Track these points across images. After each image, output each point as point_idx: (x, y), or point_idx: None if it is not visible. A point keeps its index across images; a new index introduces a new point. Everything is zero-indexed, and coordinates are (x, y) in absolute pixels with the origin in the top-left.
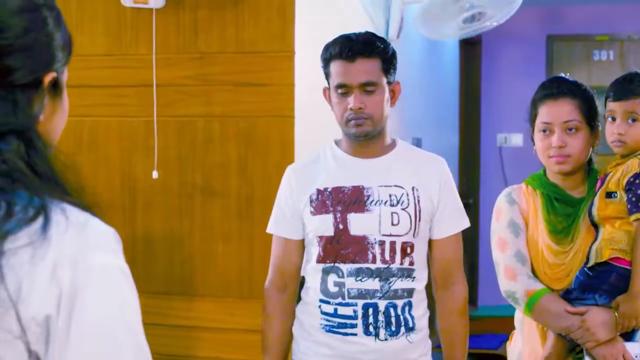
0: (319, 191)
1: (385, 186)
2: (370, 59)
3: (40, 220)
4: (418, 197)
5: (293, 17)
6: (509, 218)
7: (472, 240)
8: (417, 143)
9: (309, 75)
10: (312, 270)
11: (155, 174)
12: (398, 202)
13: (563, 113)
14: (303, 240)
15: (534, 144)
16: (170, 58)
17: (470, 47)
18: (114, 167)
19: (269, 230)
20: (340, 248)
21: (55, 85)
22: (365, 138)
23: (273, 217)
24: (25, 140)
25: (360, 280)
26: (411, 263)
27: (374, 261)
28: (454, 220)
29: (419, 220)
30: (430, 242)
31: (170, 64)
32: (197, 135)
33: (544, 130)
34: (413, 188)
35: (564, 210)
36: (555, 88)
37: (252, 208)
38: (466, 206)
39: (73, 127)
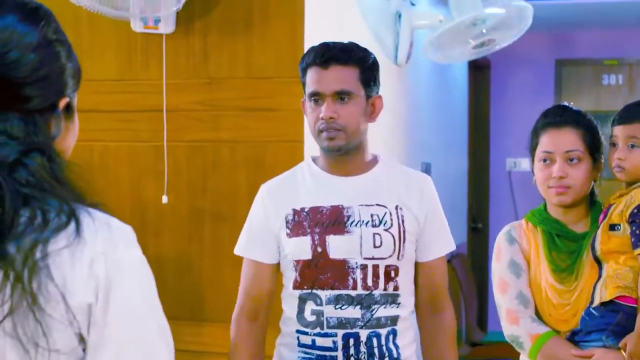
0: (295, 211)
1: (366, 205)
2: (346, 66)
3: (72, 224)
4: (402, 216)
5: (302, 42)
6: (509, 258)
7: (481, 264)
8: (427, 168)
9: None
10: (288, 298)
11: (165, 199)
12: (381, 222)
13: (565, 142)
14: (277, 265)
15: (534, 175)
16: (180, 83)
17: (479, 72)
18: (124, 191)
19: (237, 251)
20: (318, 273)
21: (68, 109)
22: (339, 153)
23: (243, 238)
24: (47, 156)
25: (340, 308)
26: (396, 288)
27: (354, 287)
28: (442, 241)
29: (404, 242)
30: (416, 265)
31: (180, 89)
32: (207, 160)
33: (545, 160)
34: (397, 207)
35: (566, 247)
36: (558, 116)
37: None
38: (475, 230)
39: (83, 152)
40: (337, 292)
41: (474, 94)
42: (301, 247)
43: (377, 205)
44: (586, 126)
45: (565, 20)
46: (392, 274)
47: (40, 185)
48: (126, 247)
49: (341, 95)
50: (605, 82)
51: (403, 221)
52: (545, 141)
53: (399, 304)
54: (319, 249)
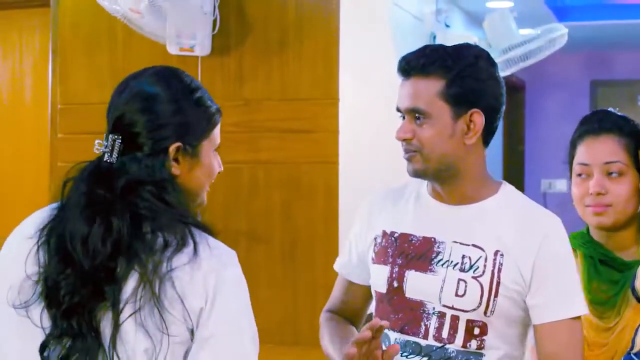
0: (384, 234)
1: (460, 244)
2: (426, 77)
3: (191, 245)
4: (500, 264)
5: (337, 63)
6: None
7: None
8: None
9: (353, 121)
10: None
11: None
12: (471, 267)
13: (604, 153)
14: (370, 288)
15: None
16: None
17: (515, 92)
18: None
19: (335, 265)
20: (391, 311)
21: (187, 150)
22: (421, 177)
23: (341, 251)
24: (159, 187)
25: (406, 357)
26: (480, 347)
27: (425, 336)
28: (561, 301)
29: (496, 296)
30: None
31: None
32: (242, 182)
33: (580, 174)
34: (497, 252)
35: (609, 276)
36: (596, 123)
37: (296, 254)
38: None
39: None
40: (405, 337)
41: (509, 114)
42: (379, 277)
43: (473, 245)
44: (631, 133)
45: (600, 41)
46: (476, 332)
47: (150, 207)
48: (230, 266)
49: (415, 113)
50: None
51: (500, 270)
52: (582, 152)
53: None
54: (395, 284)
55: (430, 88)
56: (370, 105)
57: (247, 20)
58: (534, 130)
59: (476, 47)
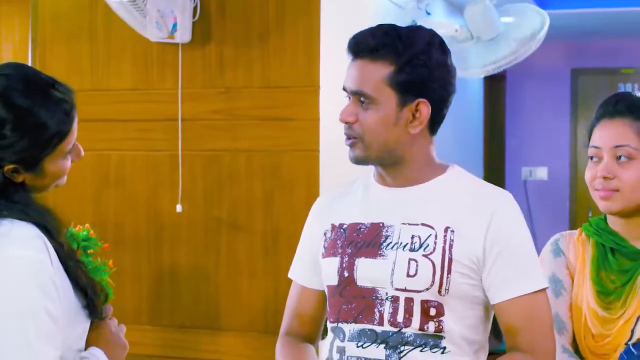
0: (333, 227)
1: (409, 224)
2: (375, 61)
3: None
4: (452, 240)
5: (318, 52)
6: (551, 273)
7: None
8: None
9: (334, 109)
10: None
11: (179, 207)
12: (421, 246)
13: (614, 136)
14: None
15: None
16: (196, 92)
17: (495, 82)
18: (140, 200)
19: (289, 273)
20: (343, 302)
21: (29, 168)
22: (362, 164)
23: (294, 260)
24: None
25: (362, 346)
26: (438, 329)
27: (380, 322)
28: (521, 277)
29: (449, 273)
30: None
31: (196, 98)
32: (223, 170)
33: (592, 157)
34: (447, 229)
35: (619, 265)
36: (612, 105)
37: (277, 243)
38: None
39: (100, 161)
40: (360, 326)
41: (490, 103)
42: (329, 270)
43: (423, 224)
44: None
45: (580, 30)
46: (432, 312)
47: None
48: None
49: (360, 96)
50: (622, 90)
51: (451, 247)
52: (595, 135)
53: (443, 349)
54: (346, 274)
55: (378, 73)
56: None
57: (228, 7)
58: (514, 118)
59: (429, 32)
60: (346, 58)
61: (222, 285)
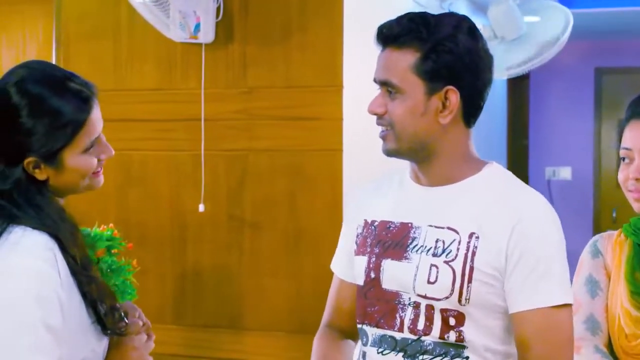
0: (365, 223)
1: (435, 227)
2: (400, 49)
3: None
4: (475, 247)
5: (341, 51)
6: (588, 274)
7: None
8: None
9: (357, 108)
10: None
11: (201, 207)
12: (443, 251)
13: None
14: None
15: None
16: (218, 92)
17: (518, 82)
18: (163, 200)
19: (331, 264)
20: (367, 304)
21: (48, 160)
22: (394, 157)
23: (336, 249)
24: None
25: (382, 353)
26: (460, 339)
27: (400, 329)
28: (541, 288)
29: (469, 282)
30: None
31: (219, 98)
32: (245, 170)
33: (623, 158)
34: (471, 235)
35: None
36: None
37: (300, 242)
38: None
39: (122, 161)
40: (381, 331)
41: (513, 103)
42: (358, 269)
43: (448, 228)
44: None
45: (604, 29)
46: (452, 322)
47: None
48: (12, 255)
49: (387, 87)
50: None
51: (473, 254)
52: (626, 135)
53: (466, 359)
54: (372, 275)
55: (403, 61)
56: (375, 92)
57: (251, 7)
58: (538, 117)
59: (458, 16)
60: (369, 57)
61: (245, 284)
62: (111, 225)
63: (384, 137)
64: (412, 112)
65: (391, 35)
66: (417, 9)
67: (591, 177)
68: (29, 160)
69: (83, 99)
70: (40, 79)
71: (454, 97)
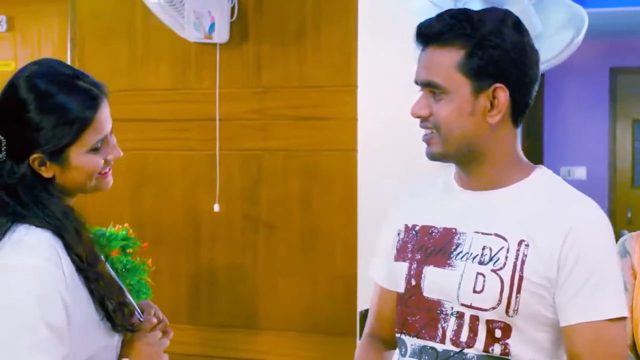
0: (406, 228)
1: (482, 233)
2: (443, 47)
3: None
4: (525, 255)
5: (355, 51)
6: None
7: None
8: None
9: (371, 108)
10: None
11: (216, 207)
12: (491, 259)
13: None
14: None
15: None
16: (233, 92)
17: None
18: (178, 200)
19: (370, 271)
20: (407, 313)
21: (54, 157)
22: (440, 161)
23: (375, 255)
24: (9, 189)
25: None
26: (505, 352)
27: (442, 340)
28: (594, 300)
29: (518, 292)
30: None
31: (234, 98)
32: (260, 169)
33: None
34: (521, 242)
35: None
36: None
37: (314, 242)
38: None
39: (137, 161)
40: (422, 342)
41: None
42: (398, 276)
43: (496, 235)
44: None
45: (619, 28)
46: (498, 334)
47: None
48: (13, 256)
49: (432, 89)
50: None
51: (523, 263)
52: None
53: None
54: (413, 282)
55: (448, 59)
56: (389, 92)
57: (266, 7)
58: (552, 117)
59: (502, 11)
60: (383, 56)
61: (260, 284)
62: (126, 225)
63: (428, 141)
64: (459, 113)
65: (432, 33)
66: (432, 9)
67: (606, 177)
68: (35, 156)
69: (91, 97)
70: (49, 76)
71: (503, 95)
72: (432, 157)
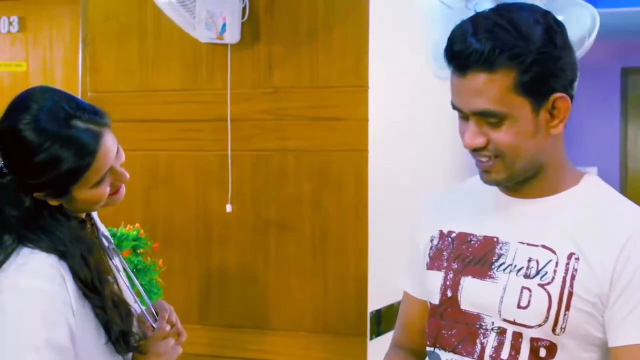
0: (441, 234)
1: (527, 244)
2: (493, 71)
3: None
4: (575, 270)
5: (367, 51)
6: None
7: None
8: None
9: (383, 109)
10: None
11: (229, 208)
12: (537, 273)
13: None
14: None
15: None
16: (245, 93)
17: None
18: (189, 200)
19: (400, 280)
20: (442, 326)
21: (57, 197)
22: (503, 186)
23: (404, 263)
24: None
25: None
26: None
27: (480, 356)
28: (637, 320)
29: (567, 309)
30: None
31: (245, 98)
32: (272, 170)
33: None
34: (571, 256)
35: None
36: None
37: (326, 243)
38: None
39: (148, 161)
40: (458, 358)
41: None
42: (431, 286)
43: (543, 247)
44: None
45: (630, 28)
46: (542, 353)
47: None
48: (15, 277)
49: (485, 117)
50: None
51: (573, 278)
52: None
53: None
54: (449, 293)
55: (500, 84)
56: (401, 92)
57: (277, 7)
58: None
59: (538, 11)
60: (394, 57)
61: (271, 285)
62: (137, 225)
63: (489, 168)
64: (523, 136)
65: (475, 57)
66: (442, 9)
67: (617, 178)
68: (38, 194)
69: (87, 142)
70: (40, 123)
71: (564, 103)
72: (495, 184)
